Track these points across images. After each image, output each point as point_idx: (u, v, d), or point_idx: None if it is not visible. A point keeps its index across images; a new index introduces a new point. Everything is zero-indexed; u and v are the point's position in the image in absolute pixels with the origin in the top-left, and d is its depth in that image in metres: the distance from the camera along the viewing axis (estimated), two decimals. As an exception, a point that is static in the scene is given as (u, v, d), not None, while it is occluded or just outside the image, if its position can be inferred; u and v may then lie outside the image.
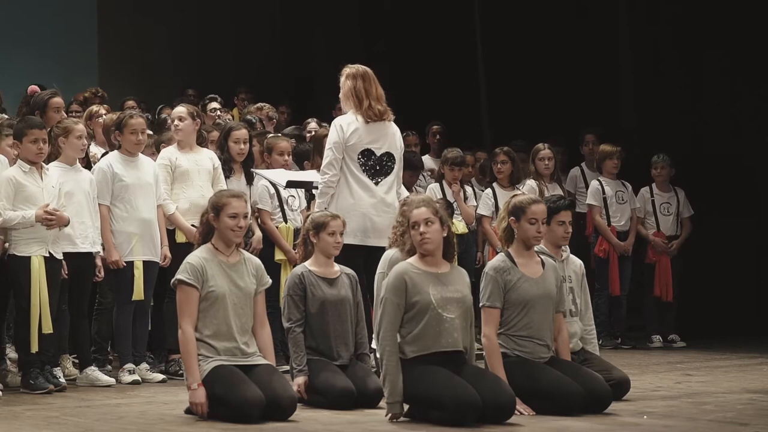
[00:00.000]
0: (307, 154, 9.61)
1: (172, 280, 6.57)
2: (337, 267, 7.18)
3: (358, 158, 7.86)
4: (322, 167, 7.99)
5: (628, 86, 12.45)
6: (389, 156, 7.96)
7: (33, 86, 10.34)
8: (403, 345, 6.21)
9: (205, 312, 6.48)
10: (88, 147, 8.69)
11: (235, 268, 6.57)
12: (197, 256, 6.54)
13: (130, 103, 11.30)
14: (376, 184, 7.89)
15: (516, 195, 7.03)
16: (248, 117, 10.84)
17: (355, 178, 7.85)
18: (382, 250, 7.56)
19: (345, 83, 7.94)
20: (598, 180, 11.16)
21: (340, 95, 8.02)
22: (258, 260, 6.84)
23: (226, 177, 9.00)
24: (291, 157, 9.49)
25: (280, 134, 10.00)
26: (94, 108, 9.75)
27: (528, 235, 6.71)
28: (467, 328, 6.35)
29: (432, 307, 6.21)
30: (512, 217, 6.74)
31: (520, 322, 6.62)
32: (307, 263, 7.14)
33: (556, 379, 6.46)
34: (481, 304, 6.62)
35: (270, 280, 6.80)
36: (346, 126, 7.87)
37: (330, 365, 6.90)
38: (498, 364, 6.48)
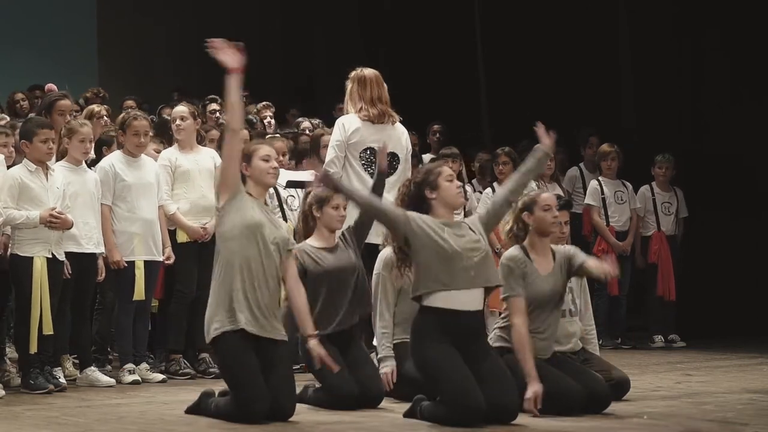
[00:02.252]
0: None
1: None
2: (336, 239, 7.20)
3: (361, 156, 7.90)
4: (324, 165, 8.02)
5: (628, 86, 12.45)
6: (393, 156, 8.00)
7: (50, 84, 10.34)
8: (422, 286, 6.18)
9: (239, 240, 6.32)
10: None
11: (267, 210, 6.50)
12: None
13: (129, 102, 11.28)
14: None
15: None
16: (248, 117, 10.84)
17: (358, 177, 7.88)
18: None
19: (347, 86, 8.07)
20: (597, 180, 11.18)
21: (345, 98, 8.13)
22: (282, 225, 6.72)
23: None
24: (287, 157, 9.49)
25: (277, 135, 10.01)
26: (96, 108, 9.75)
27: (546, 222, 6.68)
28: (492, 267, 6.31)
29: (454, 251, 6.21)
30: (525, 212, 6.72)
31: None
32: (308, 240, 7.14)
33: (556, 379, 6.46)
34: (503, 296, 6.59)
35: (294, 242, 6.67)
36: (349, 125, 7.94)
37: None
38: (528, 357, 6.38)
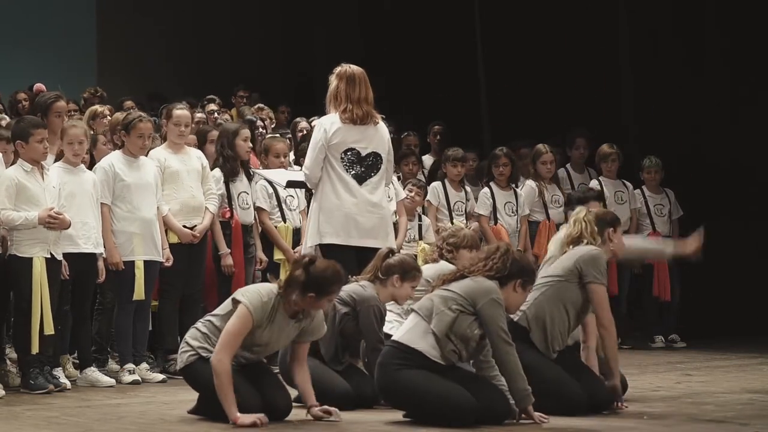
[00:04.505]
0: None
1: (237, 299, 6.27)
2: None
3: (341, 157, 7.70)
4: (303, 166, 7.94)
5: (628, 86, 12.45)
6: (376, 156, 7.79)
7: (39, 84, 10.29)
8: None
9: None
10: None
11: (290, 324, 6.36)
12: (269, 304, 6.25)
13: (129, 103, 11.26)
14: (361, 183, 7.74)
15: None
16: (249, 117, 10.85)
17: (339, 178, 7.70)
18: (372, 250, 7.42)
19: (331, 83, 7.82)
20: (598, 180, 11.18)
21: (327, 95, 7.88)
22: (320, 316, 6.45)
23: (233, 177, 9.01)
24: (287, 157, 9.50)
25: (277, 135, 10.01)
26: (99, 109, 9.74)
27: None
28: None
29: None
30: (610, 229, 6.84)
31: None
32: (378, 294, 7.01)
33: (560, 381, 6.45)
34: (589, 281, 6.64)
35: (323, 332, 6.51)
36: (329, 125, 7.72)
37: (327, 370, 6.89)
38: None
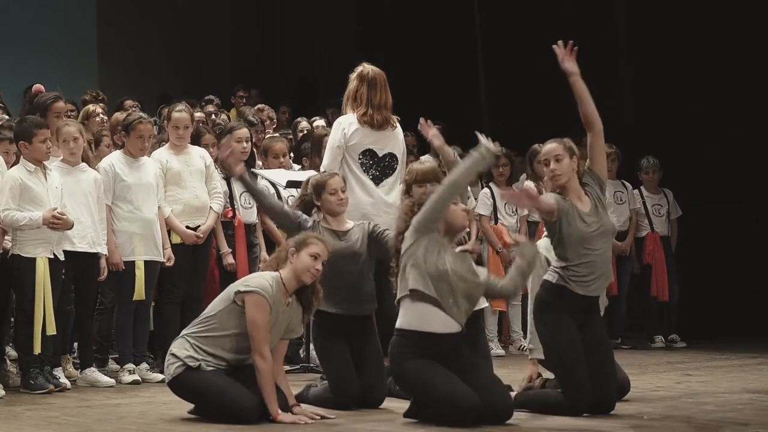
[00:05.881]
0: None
1: (242, 290, 6.28)
2: (350, 223, 7.12)
3: (359, 158, 7.80)
4: (321, 167, 7.96)
5: (627, 85, 12.46)
6: (392, 156, 7.89)
7: (38, 85, 10.29)
8: None
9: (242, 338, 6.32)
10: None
11: (286, 313, 6.41)
12: (274, 288, 6.29)
13: (129, 102, 11.25)
14: (377, 184, 7.82)
15: None
16: (249, 117, 10.84)
17: (356, 178, 7.78)
18: None
19: (351, 82, 7.88)
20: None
21: (345, 93, 7.95)
22: (299, 316, 6.49)
23: (229, 177, 9.01)
24: (287, 158, 9.49)
25: (277, 135, 9.99)
26: (91, 108, 9.73)
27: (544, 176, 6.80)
28: None
29: None
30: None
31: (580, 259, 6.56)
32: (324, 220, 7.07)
33: (573, 379, 6.44)
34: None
35: (301, 332, 6.64)
36: (348, 126, 7.80)
37: (342, 359, 6.87)
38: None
